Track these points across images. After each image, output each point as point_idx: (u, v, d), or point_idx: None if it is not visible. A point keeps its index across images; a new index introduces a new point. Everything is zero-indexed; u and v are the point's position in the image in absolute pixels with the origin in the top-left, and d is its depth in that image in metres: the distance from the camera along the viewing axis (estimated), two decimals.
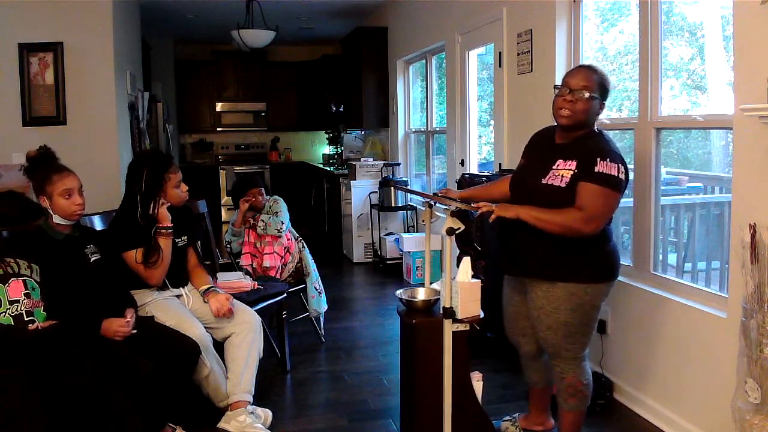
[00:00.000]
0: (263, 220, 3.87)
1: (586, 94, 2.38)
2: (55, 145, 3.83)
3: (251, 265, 3.91)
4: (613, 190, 2.34)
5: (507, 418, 2.96)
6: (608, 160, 2.33)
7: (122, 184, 3.56)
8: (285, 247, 3.94)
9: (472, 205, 2.38)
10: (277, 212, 3.93)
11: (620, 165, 2.36)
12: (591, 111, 2.41)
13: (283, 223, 3.90)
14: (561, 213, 2.35)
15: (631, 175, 3.29)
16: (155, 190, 2.94)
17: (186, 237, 3.14)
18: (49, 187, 2.64)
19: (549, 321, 2.51)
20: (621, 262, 3.36)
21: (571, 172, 2.38)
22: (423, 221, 2.64)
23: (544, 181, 2.44)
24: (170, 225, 2.96)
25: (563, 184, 2.38)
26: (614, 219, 4.04)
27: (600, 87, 2.42)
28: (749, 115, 2.27)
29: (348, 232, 6.94)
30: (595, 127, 2.49)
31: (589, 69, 2.48)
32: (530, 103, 3.99)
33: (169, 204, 3.01)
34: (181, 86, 9.25)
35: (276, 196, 4.07)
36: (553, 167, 2.44)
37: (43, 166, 2.74)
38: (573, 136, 2.47)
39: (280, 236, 3.89)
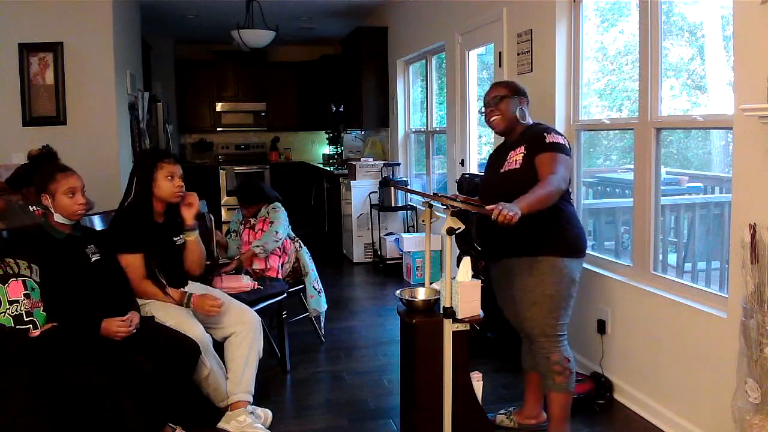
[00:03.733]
0: (261, 246, 3.77)
1: (499, 97, 2.76)
2: (55, 145, 3.84)
3: (254, 266, 3.91)
4: (566, 155, 2.64)
5: (502, 411, 3.00)
6: (553, 133, 2.68)
7: (122, 184, 3.57)
8: (280, 247, 3.93)
9: (487, 207, 2.37)
10: (272, 221, 3.92)
11: (563, 137, 2.70)
12: (512, 106, 2.75)
13: (277, 233, 3.86)
14: (543, 187, 2.49)
15: (631, 175, 3.31)
16: (147, 177, 2.94)
17: (182, 236, 3.13)
18: (52, 185, 2.64)
19: (534, 296, 2.63)
20: (620, 262, 3.41)
21: (522, 154, 2.67)
22: (423, 221, 2.65)
23: (502, 171, 2.73)
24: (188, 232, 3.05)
25: (518, 166, 2.66)
26: (614, 219, 4.07)
27: (510, 88, 2.80)
28: (749, 115, 2.27)
29: (348, 232, 6.94)
30: (530, 121, 2.80)
31: (495, 83, 2.92)
32: (530, 103, 3.97)
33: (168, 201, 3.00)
34: (181, 86, 9.25)
35: (276, 204, 4.03)
36: (507, 159, 2.73)
37: (47, 165, 2.74)
38: (516, 134, 2.78)
39: (278, 244, 3.89)
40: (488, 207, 2.31)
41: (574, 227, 2.70)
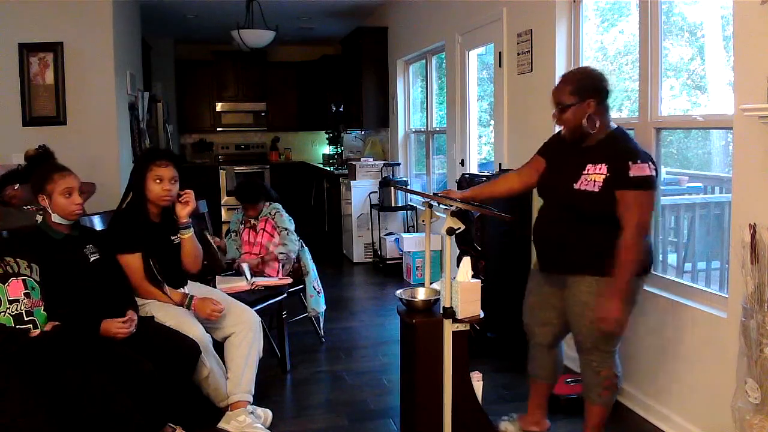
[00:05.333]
0: (285, 253, 3.86)
1: (563, 104, 2.46)
2: (55, 145, 3.83)
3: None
4: (650, 190, 2.38)
5: (505, 418, 2.94)
6: (639, 161, 2.37)
7: (122, 184, 3.57)
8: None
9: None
10: (285, 228, 3.95)
11: (649, 163, 2.39)
12: (578, 115, 2.44)
13: (294, 235, 3.96)
14: (626, 252, 2.35)
15: None
16: (140, 178, 2.92)
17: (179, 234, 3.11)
18: (49, 186, 2.64)
19: (593, 316, 2.48)
20: None
21: (603, 176, 2.41)
22: (423, 221, 2.64)
23: (576, 187, 2.46)
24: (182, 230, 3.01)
25: (597, 189, 2.41)
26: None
27: (576, 92, 2.45)
28: (749, 115, 2.27)
29: (348, 232, 6.94)
30: (612, 125, 2.51)
31: (563, 81, 2.53)
32: (530, 103, 3.98)
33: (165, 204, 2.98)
34: (181, 86, 9.25)
35: (278, 207, 4.05)
36: (584, 172, 2.46)
37: (43, 165, 2.74)
38: (595, 138, 2.49)
39: (297, 246, 3.97)
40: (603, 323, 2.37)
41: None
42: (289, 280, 3.79)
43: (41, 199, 2.66)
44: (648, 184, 2.36)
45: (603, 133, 2.48)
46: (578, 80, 2.49)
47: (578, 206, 2.46)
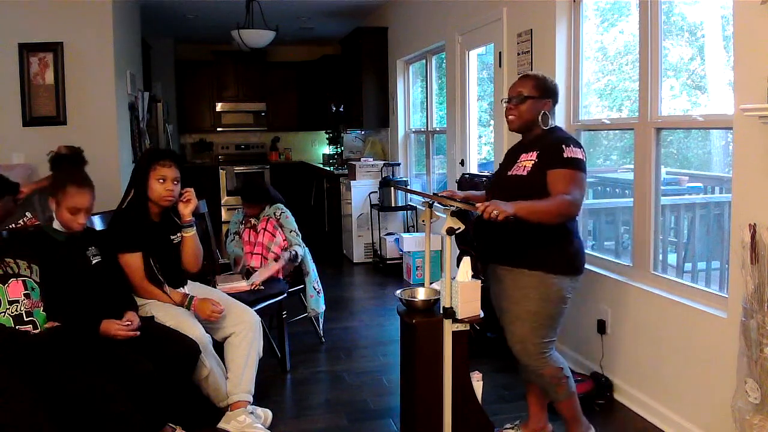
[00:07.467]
0: (297, 251, 3.89)
1: (523, 95, 2.55)
2: (55, 146, 3.81)
3: (251, 264, 3.91)
4: (582, 172, 2.46)
5: (508, 425, 2.92)
6: (572, 146, 2.47)
7: (122, 184, 3.56)
8: (282, 248, 3.94)
9: (476, 205, 2.34)
10: (291, 230, 3.97)
11: (582, 150, 2.50)
12: (533, 109, 2.55)
13: (299, 235, 3.98)
14: (550, 201, 2.38)
15: (631, 175, 3.31)
16: (142, 177, 2.92)
17: (180, 234, 3.12)
18: (60, 194, 2.62)
19: (517, 310, 2.53)
20: (620, 262, 3.41)
21: (532, 162, 2.51)
22: (423, 221, 2.64)
23: (509, 173, 2.59)
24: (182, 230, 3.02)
25: (525, 173, 2.51)
26: (614, 219, 4.07)
27: (539, 88, 2.57)
28: (749, 115, 2.27)
29: (348, 232, 6.94)
30: (552, 125, 2.62)
31: (526, 77, 2.66)
32: None
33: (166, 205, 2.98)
34: (181, 86, 9.26)
35: (281, 207, 4.05)
36: (517, 161, 2.58)
37: (69, 169, 2.74)
38: (533, 135, 2.60)
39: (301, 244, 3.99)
40: (478, 204, 2.27)
41: (572, 244, 2.54)
42: (283, 263, 3.78)
43: (51, 201, 2.66)
44: (580, 165, 2.45)
45: (541, 130, 2.59)
46: (540, 80, 2.61)
47: (508, 191, 2.50)
